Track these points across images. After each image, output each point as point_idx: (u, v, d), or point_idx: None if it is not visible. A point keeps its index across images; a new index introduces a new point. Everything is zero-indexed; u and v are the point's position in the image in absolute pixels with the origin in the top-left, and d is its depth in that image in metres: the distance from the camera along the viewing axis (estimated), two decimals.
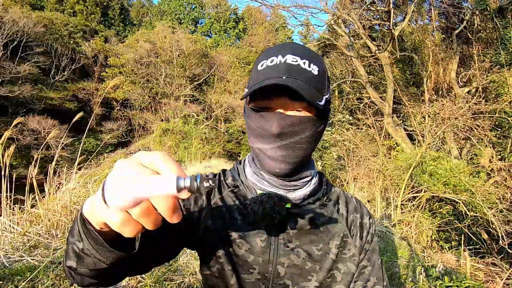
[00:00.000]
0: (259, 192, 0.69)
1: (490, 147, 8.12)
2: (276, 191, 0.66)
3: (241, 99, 0.62)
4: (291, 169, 0.62)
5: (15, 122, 3.27)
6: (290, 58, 0.58)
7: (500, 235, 4.95)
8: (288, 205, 0.67)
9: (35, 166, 3.46)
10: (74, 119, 3.52)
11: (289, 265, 0.66)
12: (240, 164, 0.77)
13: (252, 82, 0.61)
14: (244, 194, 0.71)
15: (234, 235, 0.67)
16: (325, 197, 0.73)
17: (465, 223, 5.45)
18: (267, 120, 0.60)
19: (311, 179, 0.69)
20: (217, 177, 0.75)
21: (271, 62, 0.59)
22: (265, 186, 0.67)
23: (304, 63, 0.58)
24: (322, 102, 0.58)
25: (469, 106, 7.33)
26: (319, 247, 0.68)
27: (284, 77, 0.56)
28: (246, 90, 0.62)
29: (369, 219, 0.75)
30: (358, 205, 0.76)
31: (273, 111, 0.59)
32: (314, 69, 0.59)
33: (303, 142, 0.61)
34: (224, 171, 0.79)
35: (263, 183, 0.67)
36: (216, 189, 0.73)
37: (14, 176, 3.24)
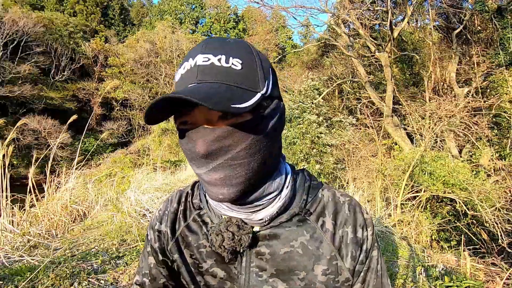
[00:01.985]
0: (223, 216, 0.58)
1: (489, 147, 8.13)
2: (236, 215, 0.55)
3: (146, 123, 0.48)
4: (237, 191, 0.49)
5: (19, 123, 3.30)
6: (200, 59, 0.47)
7: (499, 234, 4.95)
8: (256, 228, 0.57)
9: (33, 166, 3.47)
10: (69, 121, 3.57)
11: None
12: None
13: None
14: (209, 217, 0.62)
15: (205, 264, 0.60)
16: (304, 211, 0.59)
17: (464, 222, 5.46)
18: (191, 139, 0.48)
19: (280, 192, 0.56)
20: (184, 197, 0.68)
21: (184, 69, 0.49)
22: (224, 211, 0.57)
23: (219, 59, 0.47)
24: (250, 103, 0.45)
25: (466, 104, 7.34)
26: (300, 276, 0.56)
27: (194, 84, 0.46)
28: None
29: (365, 231, 0.60)
30: (350, 213, 0.61)
31: (197, 127, 0.48)
32: (236, 63, 0.47)
33: (241, 156, 0.47)
34: (193, 186, 0.69)
35: (221, 207, 0.57)
36: (181, 216, 0.65)
37: (9, 175, 3.25)
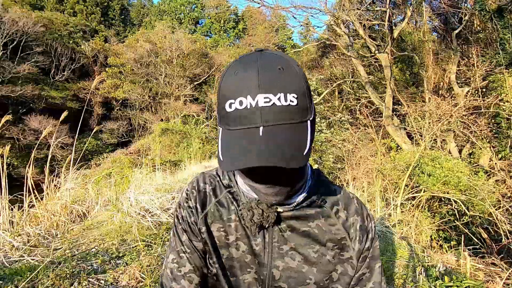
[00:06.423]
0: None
1: (489, 146, 8.13)
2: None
3: (225, 169, 0.57)
4: (287, 196, 0.62)
5: (3, 121, 3.26)
6: (261, 100, 0.49)
7: (503, 233, 4.96)
8: (280, 209, 0.66)
9: (31, 166, 3.46)
10: (60, 118, 3.58)
11: (284, 268, 0.67)
12: None
13: (223, 121, 0.56)
14: (238, 195, 0.70)
15: (232, 237, 0.68)
16: (321, 199, 0.70)
17: (463, 221, 5.45)
18: (255, 174, 0.57)
19: (306, 182, 0.67)
20: (212, 178, 0.74)
21: (241, 105, 0.51)
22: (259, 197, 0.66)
23: (279, 98, 0.50)
24: (306, 150, 0.52)
25: (465, 103, 7.35)
26: (315, 249, 0.67)
27: (260, 126, 0.50)
28: (219, 125, 0.59)
29: (369, 222, 0.72)
30: (359, 207, 0.73)
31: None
32: (292, 99, 0.51)
33: (293, 179, 0.61)
34: (218, 170, 0.77)
35: (259, 195, 0.64)
36: (211, 193, 0.72)
37: (5, 175, 3.24)
